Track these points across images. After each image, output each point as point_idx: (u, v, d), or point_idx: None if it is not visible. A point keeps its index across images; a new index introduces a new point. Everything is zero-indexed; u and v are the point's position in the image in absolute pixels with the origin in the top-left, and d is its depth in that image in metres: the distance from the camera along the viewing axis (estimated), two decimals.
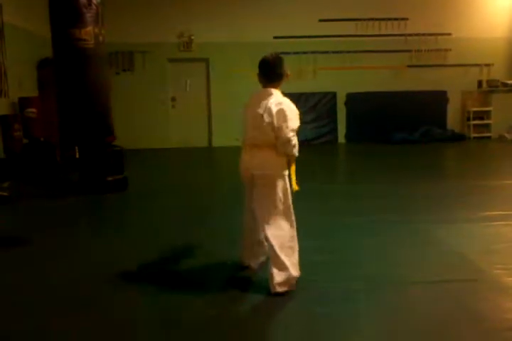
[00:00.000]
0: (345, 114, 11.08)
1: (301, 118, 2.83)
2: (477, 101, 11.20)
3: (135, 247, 3.69)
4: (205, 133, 11.14)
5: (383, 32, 10.86)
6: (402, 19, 10.87)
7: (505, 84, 11.05)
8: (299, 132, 2.81)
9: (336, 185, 6.20)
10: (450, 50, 11.03)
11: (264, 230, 2.79)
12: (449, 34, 10.99)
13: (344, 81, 10.74)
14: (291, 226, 2.81)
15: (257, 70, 2.97)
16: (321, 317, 2.45)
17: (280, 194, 2.78)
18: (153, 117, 10.73)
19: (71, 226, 4.44)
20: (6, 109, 7.49)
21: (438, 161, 8.52)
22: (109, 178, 5.73)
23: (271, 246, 2.74)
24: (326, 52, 10.77)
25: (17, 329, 2.42)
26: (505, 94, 11.11)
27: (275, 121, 2.71)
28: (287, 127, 2.71)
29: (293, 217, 2.83)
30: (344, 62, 10.78)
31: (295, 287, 2.74)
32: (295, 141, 2.76)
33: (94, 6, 5.55)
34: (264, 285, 2.75)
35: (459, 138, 10.81)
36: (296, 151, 2.79)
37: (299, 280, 2.78)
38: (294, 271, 2.74)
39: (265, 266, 2.93)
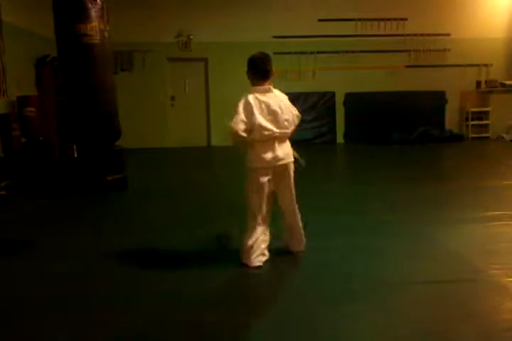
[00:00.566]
0: (343, 113, 11.09)
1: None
2: (476, 102, 11.22)
3: (135, 246, 3.70)
4: (204, 132, 11.14)
5: (382, 32, 10.88)
6: (401, 19, 10.89)
7: (503, 85, 11.07)
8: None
9: (335, 184, 6.21)
10: (449, 50, 11.05)
11: (294, 211, 3.25)
12: (448, 34, 11.01)
13: (343, 81, 10.75)
14: None
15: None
16: (321, 318, 2.46)
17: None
18: (152, 117, 10.73)
19: (70, 225, 4.44)
20: (4, 108, 7.48)
21: (436, 161, 8.53)
22: (109, 177, 5.73)
23: (297, 218, 3.28)
24: (325, 52, 10.78)
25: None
26: (504, 94, 11.12)
27: (290, 114, 3.14)
28: (298, 116, 3.24)
29: None
30: (343, 62, 10.79)
31: None
32: None
33: (99, 1, 5.48)
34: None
35: (457, 138, 10.81)
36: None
37: (298, 281, 2.87)
38: None
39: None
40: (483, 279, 2.90)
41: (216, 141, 10.96)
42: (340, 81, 10.74)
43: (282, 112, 3.06)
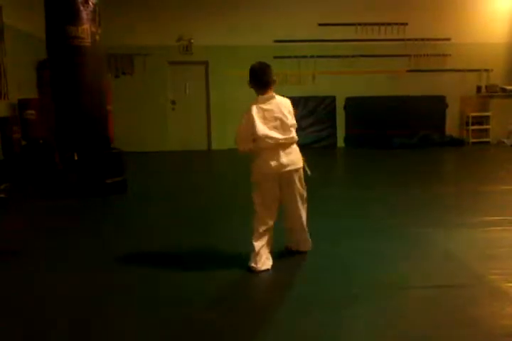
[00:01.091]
0: (344, 118, 11.10)
1: (298, 121, 3.30)
2: (476, 107, 11.23)
3: (135, 248, 3.69)
4: (204, 136, 11.15)
5: (383, 36, 10.92)
6: (402, 24, 10.93)
7: (504, 90, 11.09)
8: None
9: (335, 189, 6.20)
10: (449, 55, 11.08)
11: (300, 216, 3.30)
12: (448, 39, 11.04)
13: (343, 85, 10.77)
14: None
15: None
16: (321, 321, 2.45)
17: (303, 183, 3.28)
18: (152, 120, 10.75)
19: (70, 228, 4.44)
20: (5, 111, 7.49)
21: (436, 166, 8.52)
22: (109, 180, 5.73)
23: (303, 222, 3.34)
24: (326, 56, 10.80)
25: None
26: (504, 99, 11.14)
27: (292, 120, 3.17)
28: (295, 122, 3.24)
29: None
30: (343, 67, 10.82)
31: None
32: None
33: (91, 4, 5.46)
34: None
35: (457, 143, 10.83)
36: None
37: (298, 284, 2.88)
38: None
39: None
40: (482, 284, 2.89)
41: (216, 144, 10.97)
42: (341, 85, 10.77)
43: (287, 118, 3.11)
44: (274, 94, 3.16)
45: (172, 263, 3.40)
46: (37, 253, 3.67)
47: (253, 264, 3.13)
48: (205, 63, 10.89)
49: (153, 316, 2.53)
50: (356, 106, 11.01)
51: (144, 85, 10.61)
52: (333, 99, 11.00)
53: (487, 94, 11.20)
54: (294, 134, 3.14)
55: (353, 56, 10.81)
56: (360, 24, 10.84)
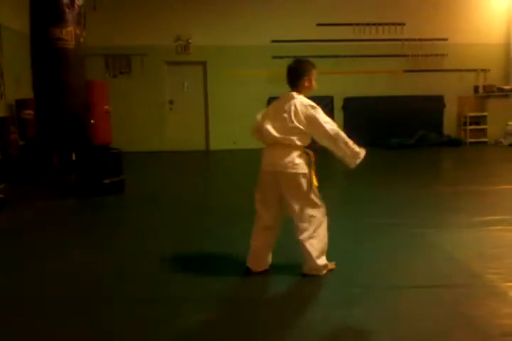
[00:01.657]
0: (342, 118, 11.10)
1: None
2: (473, 107, 11.25)
3: (132, 248, 3.69)
4: (202, 136, 11.14)
5: (380, 37, 10.92)
6: (399, 24, 10.93)
7: (501, 90, 11.10)
8: None
9: (333, 188, 6.21)
10: (447, 55, 11.09)
11: (298, 226, 3.05)
12: (446, 39, 11.06)
13: (341, 85, 10.77)
14: None
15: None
16: (321, 321, 2.45)
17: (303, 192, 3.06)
18: (150, 120, 10.73)
19: (67, 228, 4.44)
20: (2, 111, 7.48)
21: (434, 166, 8.54)
22: (106, 181, 5.73)
23: (302, 239, 3.03)
24: (324, 56, 10.78)
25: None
26: (502, 99, 11.16)
27: (298, 124, 2.99)
28: (323, 121, 3.03)
29: None
30: (341, 67, 10.82)
31: None
32: (337, 130, 3.03)
33: (76, 7, 5.45)
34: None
35: (455, 143, 10.84)
36: (339, 142, 3.05)
37: (297, 284, 2.89)
38: None
39: None
40: (479, 284, 2.90)
41: (214, 144, 10.97)
42: (339, 85, 10.76)
43: (292, 121, 2.93)
44: (295, 94, 3.08)
45: (169, 263, 3.39)
46: (34, 252, 3.67)
47: (248, 264, 3.12)
48: (203, 63, 10.88)
49: (151, 316, 2.53)
50: (354, 106, 11.01)
51: (141, 85, 10.60)
52: (331, 99, 11.00)
53: (484, 94, 11.22)
54: (294, 137, 2.94)
55: (350, 56, 10.81)
56: (357, 24, 10.84)
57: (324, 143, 3.01)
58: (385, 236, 3.88)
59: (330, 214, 3.07)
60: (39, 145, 6.20)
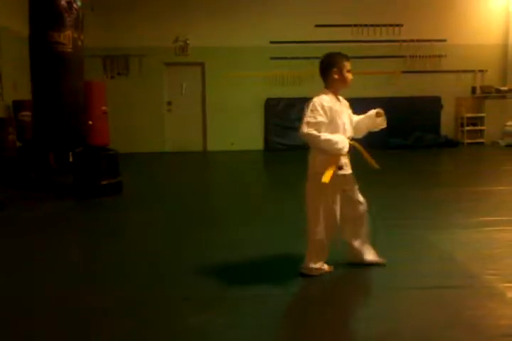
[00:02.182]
0: None
1: (294, 122, 3.01)
2: (471, 107, 11.28)
3: (128, 250, 3.69)
4: (200, 137, 11.14)
5: (378, 38, 10.94)
6: (397, 25, 10.96)
7: (498, 91, 11.13)
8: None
9: None
10: (444, 56, 11.12)
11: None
12: (444, 40, 11.09)
13: None
14: None
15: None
16: (320, 322, 2.45)
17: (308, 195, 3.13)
18: (148, 121, 10.73)
19: (66, 229, 4.43)
20: (0, 112, 7.46)
21: (431, 167, 8.54)
22: (104, 182, 5.72)
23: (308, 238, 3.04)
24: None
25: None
26: (499, 100, 11.19)
27: (303, 120, 3.05)
28: (303, 122, 2.99)
29: None
30: None
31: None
32: (305, 133, 2.95)
33: (75, 11, 5.46)
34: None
35: (452, 144, 10.87)
36: (312, 143, 3.00)
37: (296, 284, 2.86)
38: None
39: None
40: (478, 285, 2.90)
41: (212, 146, 10.97)
42: None
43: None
44: (320, 92, 3.21)
45: (169, 263, 3.39)
46: (32, 254, 3.66)
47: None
48: (201, 64, 10.88)
49: (149, 316, 2.52)
50: (352, 106, 10.96)
51: (139, 86, 10.60)
52: None
53: (482, 94, 11.24)
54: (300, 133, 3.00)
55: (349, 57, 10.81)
56: (355, 25, 10.87)
57: None
58: (384, 237, 3.87)
59: None
60: (36, 147, 6.19)
